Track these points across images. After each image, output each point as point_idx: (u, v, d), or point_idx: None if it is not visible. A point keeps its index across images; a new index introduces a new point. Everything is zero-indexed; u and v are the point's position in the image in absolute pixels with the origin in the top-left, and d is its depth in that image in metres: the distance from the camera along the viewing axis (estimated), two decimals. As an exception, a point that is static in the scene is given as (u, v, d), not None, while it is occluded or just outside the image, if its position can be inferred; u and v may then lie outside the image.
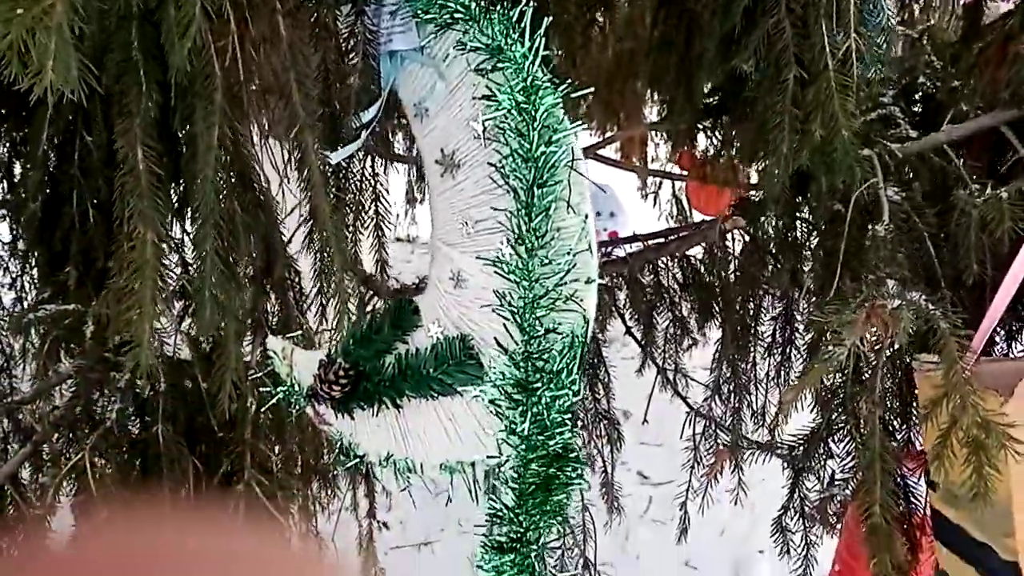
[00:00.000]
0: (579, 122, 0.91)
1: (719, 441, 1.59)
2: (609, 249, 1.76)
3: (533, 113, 0.89)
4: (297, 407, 1.29)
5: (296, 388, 1.28)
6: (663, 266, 1.79)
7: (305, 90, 0.89)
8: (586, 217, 0.94)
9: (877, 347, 0.94)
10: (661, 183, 3.52)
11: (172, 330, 1.55)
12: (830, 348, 0.85)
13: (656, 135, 3.69)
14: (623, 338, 2.93)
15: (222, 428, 1.52)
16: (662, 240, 1.73)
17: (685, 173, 3.10)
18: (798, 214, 1.27)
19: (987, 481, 0.88)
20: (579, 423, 1.65)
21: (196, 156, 0.89)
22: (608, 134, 3.49)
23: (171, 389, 1.42)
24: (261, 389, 1.32)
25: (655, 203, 3.50)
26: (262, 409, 1.36)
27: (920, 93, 1.57)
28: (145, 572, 0.33)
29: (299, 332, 1.41)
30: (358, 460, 1.27)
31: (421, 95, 1.00)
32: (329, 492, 1.77)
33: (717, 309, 1.73)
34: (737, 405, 1.74)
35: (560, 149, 0.91)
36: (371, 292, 1.54)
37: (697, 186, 3.14)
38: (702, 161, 2.26)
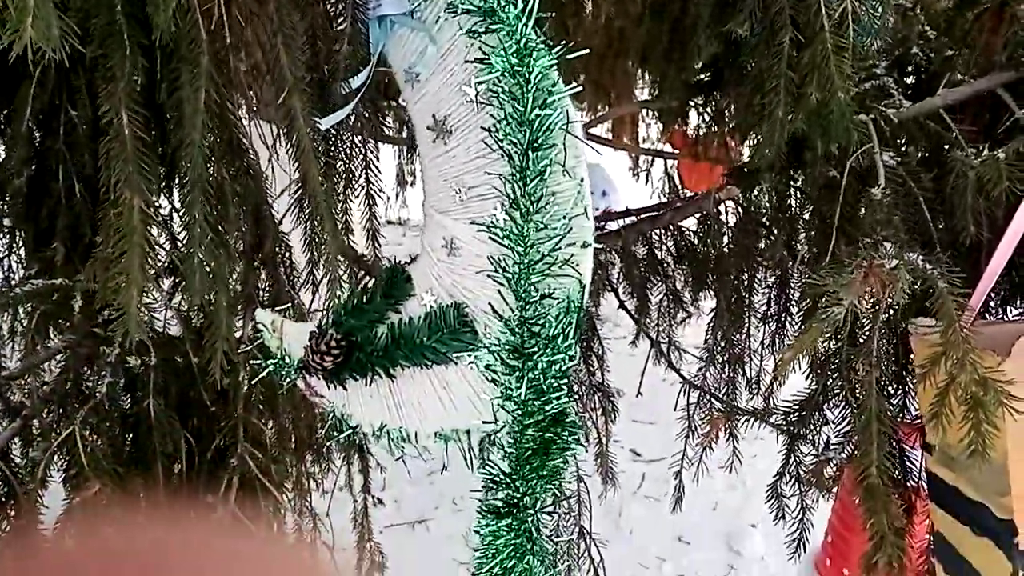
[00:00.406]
0: (574, 84, 0.90)
1: (713, 410, 1.60)
2: (602, 224, 1.75)
3: (527, 76, 0.88)
4: (288, 380, 1.28)
5: (287, 360, 1.27)
6: (657, 239, 1.79)
7: (293, 54, 0.87)
8: (582, 180, 0.93)
9: (874, 308, 0.94)
10: (653, 162, 3.51)
11: (162, 306, 1.54)
12: (828, 308, 0.85)
13: (647, 115, 3.68)
14: (616, 317, 2.93)
15: (214, 403, 1.51)
16: (656, 213, 1.72)
17: (677, 152, 3.10)
18: (792, 182, 1.27)
19: (985, 438, 0.88)
20: (575, 394, 1.65)
21: (183, 121, 0.87)
22: (599, 113, 3.47)
23: (162, 363, 1.41)
24: (252, 362, 1.31)
25: (647, 182, 3.49)
26: (253, 383, 1.35)
27: (913, 65, 1.57)
28: (143, 572, 0.33)
29: (289, 305, 1.39)
30: (351, 431, 1.26)
31: (412, 60, 0.99)
32: (323, 467, 1.76)
33: (711, 280, 1.72)
34: (731, 375, 1.74)
35: (555, 112, 0.89)
36: (363, 271, 1.53)
37: (689, 164, 3.13)
38: (694, 140, 2.25)
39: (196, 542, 0.36)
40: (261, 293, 1.53)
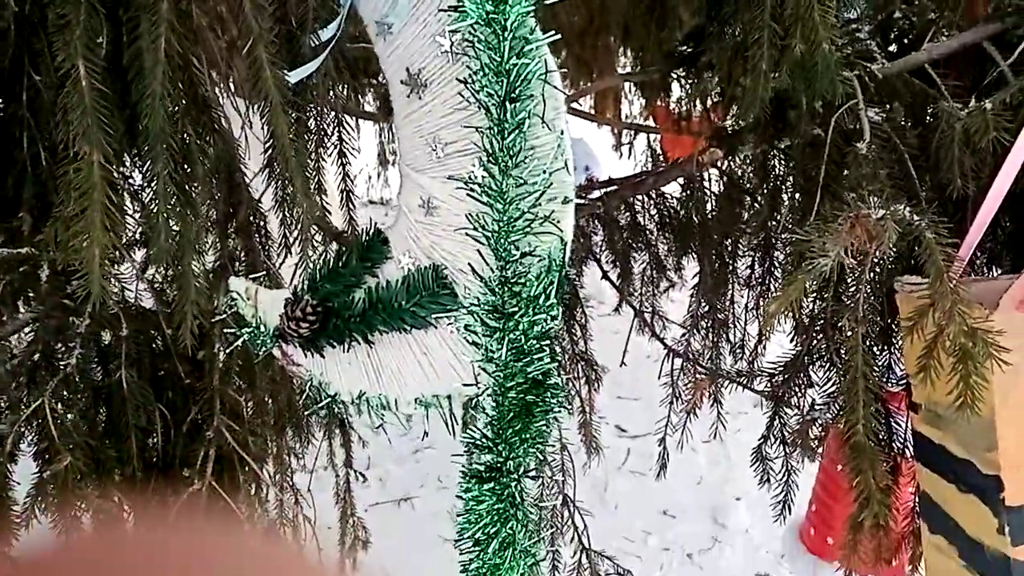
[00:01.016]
0: (552, 32, 0.87)
1: (696, 375, 1.58)
2: (585, 194, 1.73)
3: (503, 23, 0.84)
4: (263, 348, 1.25)
5: (262, 329, 1.24)
6: (639, 206, 1.76)
7: (258, 2, 0.83)
8: (562, 133, 0.90)
9: (861, 264, 0.92)
10: (635, 136, 3.49)
11: (133, 278, 1.50)
12: (814, 260, 0.83)
13: (630, 90, 3.66)
14: (601, 294, 2.92)
15: (189, 375, 1.48)
16: (639, 180, 1.70)
17: (659, 127, 3.07)
18: (777, 142, 1.24)
19: (973, 391, 0.87)
20: (558, 362, 1.63)
21: (143, 73, 0.83)
22: (581, 88, 3.44)
23: (134, 335, 1.37)
24: (227, 331, 1.28)
25: (630, 156, 3.46)
26: (228, 353, 1.32)
27: (896, 29, 1.55)
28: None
29: (264, 273, 1.36)
30: (330, 400, 1.24)
31: (383, 11, 0.95)
32: (304, 441, 1.74)
33: (694, 246, 1.70)
34: (715, 340, 1.73)
35: (533, 61, 0.86)
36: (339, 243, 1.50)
37: (672, 138, 3.11)
38: (676, 114, 2.23)
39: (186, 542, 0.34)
40: (236, 263, 1.49)
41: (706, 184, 1.63)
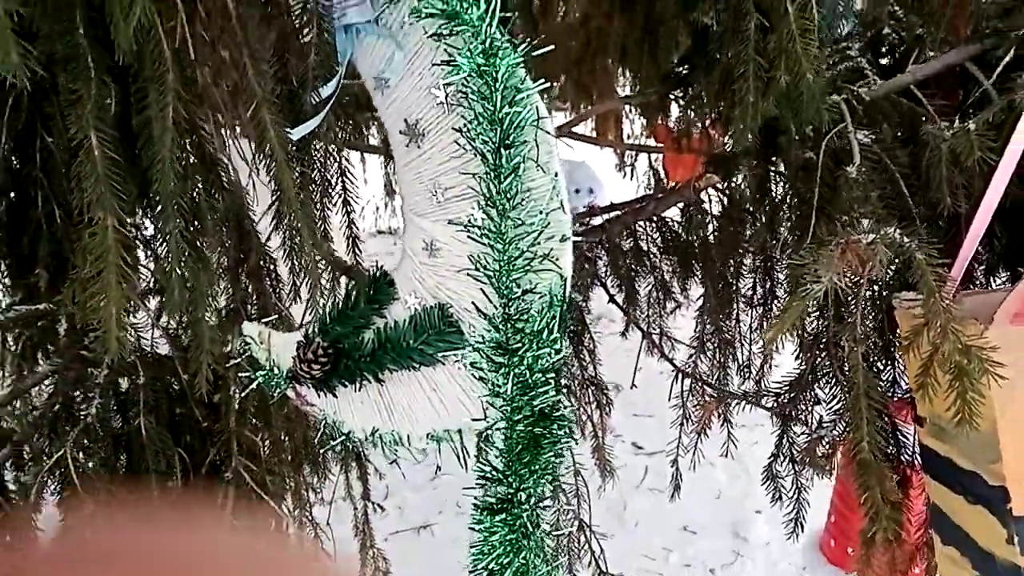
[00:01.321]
0: (542, 81, 0.90)
1: (706, 396, 1.60)
2: (587, 220, 1.76)
3: (494, 75, 0.88)
4: (278, 390, 1.28)
5: (276, 371, 1.27)
6: (641, 231, 1.79)
7: (260, 67, 0.87)
8: (556, 175, 0.94)
9: (856, 284, 0.94)
10: (637, 156, 3.52)
11: (149, 326, 1.54)
12: (808, 286, 0.85)
13: (630, 110, 3.69)
14: (610, 312, 2.94)
15: (206, 418, 1.51)
16: (639, 205, 1.72)
17: (661, 146, 3.10)
18: (772, 166, 1.27)
19: (971, 407, 0.89)
20: (567, 389, 1.65)
21: (152, 140, 0.87)
22: (582, 111, 3.48)
23: (151, 382, 1.41)
24: (242, 375, 1.31)
25: (632, 176, 3.49)
26: (243, 395, 1.35)
27: (886, 44, 1.58)
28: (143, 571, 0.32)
29: (275, 316, 1.39)
30: (344, 438, 1.26)
31: (380, 67, 0.99)
32: (321, 476, 1.76)
33: (697, 268, 1.73)
34: (722, 361, 1.74)
35: (524, 109, 0.89)
36: (348, 278, 1.53)
37: (673, 157, 3.14)
38: (677, 132, 2.26)
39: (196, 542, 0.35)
40: (248, 306, 1.53)
41: (705, 206, 1.66)
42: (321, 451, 1.69)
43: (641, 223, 1.74)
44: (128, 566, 0.32)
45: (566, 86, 3.28)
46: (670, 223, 1.78)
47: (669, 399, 1.73)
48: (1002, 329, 0.91)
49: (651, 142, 3.44)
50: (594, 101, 3.53)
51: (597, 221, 1.67)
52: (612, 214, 1.66)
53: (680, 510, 3.36)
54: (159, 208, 0.89)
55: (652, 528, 3.35)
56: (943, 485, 1.09)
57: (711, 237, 1.65)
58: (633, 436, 3.86)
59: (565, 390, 1.61)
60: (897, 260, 0.89)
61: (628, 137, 3.82)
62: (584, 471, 1.53)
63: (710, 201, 1.66)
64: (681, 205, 1.67)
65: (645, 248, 1.79)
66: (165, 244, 0.91)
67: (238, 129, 1.32)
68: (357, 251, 1.19)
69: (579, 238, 1.54)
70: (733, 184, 1.38)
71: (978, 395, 0.89)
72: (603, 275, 1.78)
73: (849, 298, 0.95)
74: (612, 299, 1.86)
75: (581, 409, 1.73)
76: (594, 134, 3.75)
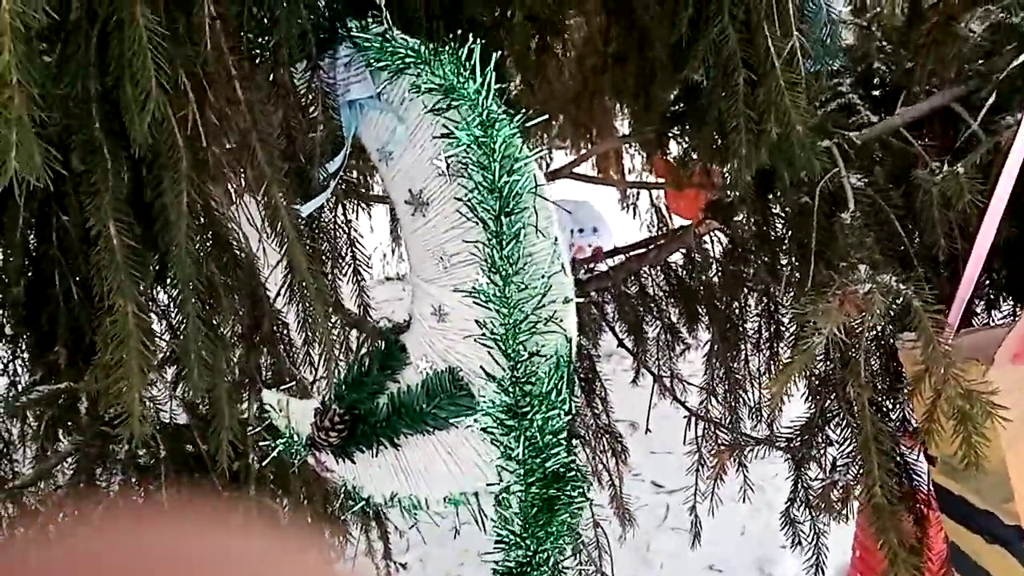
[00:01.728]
0: (540, 149, 0.94)
1: (719, 441, 1.60)
2: (592, 265, 1.78)
3: (492, 145, 0.91)
4: (298, 458, 1.30)
5: (295, 439, 1.29)
6: (646, 276, 1.81)
7: (269, 147, 0.91)
8: (556, 240, 0.96)
9: (858, 331, 0.96)
10: (639, 193, 3.55)
11: (167, 396, 1.56)
12: (809, 339, 0.87)
13: (630, 147, 3.73)
14: (620, 351, 2.95)
15: (226, 487, 1.52)
16: (643, 251, 1.75)
17: (661, 181, 3.14)
18: (769, 210, 1.30)
19: (976, 450, 0.89)
20: (582, 439, 1.66)
21: (168, 225, 0.91)
22: (583, 151, 3.53)
23: (171, 453, 1.43)
24: (261, 443, 1.33)
25: (635, 214, 3.52)
26: (263, 463, 1.37)
27: (877, 78, 1.61)
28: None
29: (292, 383, 1.41)
30: (364, 502, 1.28)
31: (383, 140, 1.03)
32: (341, 539, 1.77)
33: (702, 311, 1.75)
34: (733, 403, 1.75)
35: (523, 177, 0.93)
36: (363, 334, 1.56)
37: (675, 193, 3.17)
38: (676, 168, 2.29)
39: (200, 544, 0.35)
40: (264, 373, 1.55)
41: (708, 247, 1.68)
42: (341, 515, 1.69)
43: (645, 268, 1.77)
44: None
45: (566, 125, 3.33)
46: (674, 267, 1.80)
47: (684, 443, 1.73)
48: (1003, 369, 0.93)
49: (651, 178, 3.47)
50: (594, 140, 3.58)
51: (603, 268, 1.70)
52: (616, 258, 1.69)
53: (705, 549, 3.32)
54: (177, 292, 0.92)
55: (677, 568, 3.31)
56: (960, 524, 1.09)
57: (715, 279, 1.67)
58: (653, 475, 3.83)
59: (579, 441, 1.62)
60: (896, 304, 0.91)
61: (629, 172, 3.86)
62: (603, 521, 1.53)
63: (712, 244, 1.69)
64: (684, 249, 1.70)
65: (651, 293, 1.81)
66: (183, 323, 0.94)
67: (246, 197, 1.36)
68: (368, 316, 1.22)
69: (582, 289, 1.56)
70: (734, 225, 1.41)
71: (983, 439, 0.89)
72: (612, 320, 1.80)
73: (852, 343, 0.97)
74: (621, 343, 1.88)
75: (596, 458, 1.74)
76: (595, 172, 3.80)
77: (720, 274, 1.67)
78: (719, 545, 3.27)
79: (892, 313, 0.91)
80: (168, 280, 0.96)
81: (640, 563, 3.30)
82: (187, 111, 0.86)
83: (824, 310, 0.87)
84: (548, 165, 2.85)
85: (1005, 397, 0.90)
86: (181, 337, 0.95)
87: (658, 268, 1.78)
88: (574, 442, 1.03)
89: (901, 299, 0.91)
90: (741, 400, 1.75)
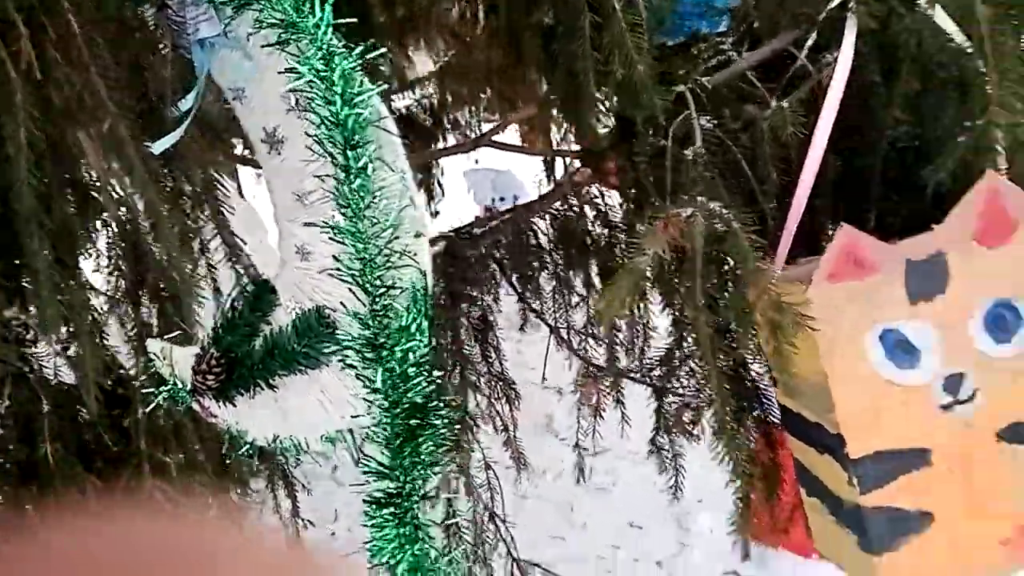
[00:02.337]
0: (381, 82, 0.96)
1: (590, 374, 1.67)
2: (487, 222, 1.83)
3: (333, 79, 0.93)
4: (183, 404, 1.31)
5: (179, 386, 1.31)
6: (540, 229, 1.86)
7: (110, 84, 0.92)
8: (404, 173, 1.00)
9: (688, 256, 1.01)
10: (553, 161, 3.60)
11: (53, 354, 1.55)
12: (633, 259, 0.92)
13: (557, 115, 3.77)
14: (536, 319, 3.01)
15: (117, 443, 1.53)
16: (529, 201, 1.80)
17: (579, 149, 3.20)
18: (634, 154, 1.35)
19: (785, 357, 0.96)
20: (475, 386, 1.71)
21: (9, 161, 0.91)
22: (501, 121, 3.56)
23: (55, 410, 1.42)
24: (144, 391, 1.34)
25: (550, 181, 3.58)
26: (147, 412, 1.38)
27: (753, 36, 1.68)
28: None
29: (179, 333, 1.42)
30: (248, 446, 1.30)
31: (234, 78, 1.04)
32: (240, 492, 1.78)
33: (582, 257, 1.81)
34: (610, 342, 1.82)
35: (364, 109, 0.95)
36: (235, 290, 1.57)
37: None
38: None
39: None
40: (154, 328, 1.55)
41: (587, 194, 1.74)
42: (234, 463, 1.71)
43: (535, 218, 1.82)
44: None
45: (492, 97, 3.37)
46: (559, 216, 1.86)
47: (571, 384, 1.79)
48: (820, 287, 0.99)
49: (574, 147, 3.53)
50: (517, 110, 3.62)
51: (495, 223, 1.74)
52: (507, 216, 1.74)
53: (625, 507, 3.44)
54: (21, 228, 0.93)
55: (600, 527, 3.41)
56: (800, 440, 1.17)
57: (592, 225, 1.73)
58: (576, 437, 3.92)
59: (473, 389, 1.67)
60: (717, 227, 0.97)
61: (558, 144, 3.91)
62: (494, 463, 1.58)
63: (599, 195, 1.74)
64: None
65: (544, 245, 1.87)
66: (31, 261, 0.95)
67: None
68: (235, 261, 1.24)
69: (476, 243, 1.60)
70: (602, 170, 1.46)
71: (792, 348, 0.96)
72: (508, 274, 1.85)
73: (687, 268, 1.02)
74: (521, 297, 1.92)
75: (492, 405, 1.79)
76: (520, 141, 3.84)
77: (596, 219, 1.73)
78: (639, 503, 3.38)
79: (717, 236, 0.97)
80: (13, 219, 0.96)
81: (565, 523, 3.40)
82: (19, 45, 0.87)
83: (649, 232, 0.92)
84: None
85: (819, 311, 0.97)
86: (30, 275, 0.95)
87: (546, 218, 1.83)
88: (435, 373, 1.06)
89: (723, 223, 0.97)
90: (616, 339, 1.82)
